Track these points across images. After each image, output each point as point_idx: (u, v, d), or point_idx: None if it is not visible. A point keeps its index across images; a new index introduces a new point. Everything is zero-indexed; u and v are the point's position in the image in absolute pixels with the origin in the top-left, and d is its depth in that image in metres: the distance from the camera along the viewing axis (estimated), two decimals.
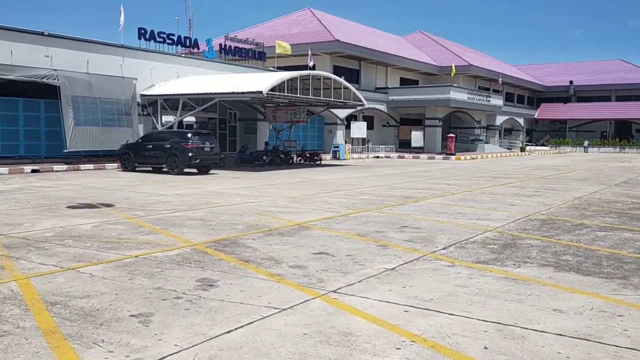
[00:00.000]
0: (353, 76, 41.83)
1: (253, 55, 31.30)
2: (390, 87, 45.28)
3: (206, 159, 20.76)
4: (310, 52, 34.43)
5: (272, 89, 22.77)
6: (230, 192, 14.37)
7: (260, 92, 21.63)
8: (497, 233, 8.53)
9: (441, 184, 17.59)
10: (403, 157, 38.25)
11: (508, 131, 62.14)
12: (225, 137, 32.12)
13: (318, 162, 28.61)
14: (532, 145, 59.71)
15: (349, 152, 35.73)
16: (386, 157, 38.51)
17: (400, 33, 59.20)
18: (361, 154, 38.46)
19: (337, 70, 37.04)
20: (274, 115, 30.25)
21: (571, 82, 68.72)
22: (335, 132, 38.16)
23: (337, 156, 34.64)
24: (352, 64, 42.38)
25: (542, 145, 63.94)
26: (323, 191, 14.84)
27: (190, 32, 29.69)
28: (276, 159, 27.11)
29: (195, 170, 21.24)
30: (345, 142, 37.09)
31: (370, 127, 41.78)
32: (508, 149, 55.28)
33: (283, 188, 15.64)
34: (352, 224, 9.30)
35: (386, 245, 7.46)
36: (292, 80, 24.69)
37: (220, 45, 29.79)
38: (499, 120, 55.68)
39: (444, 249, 7.28)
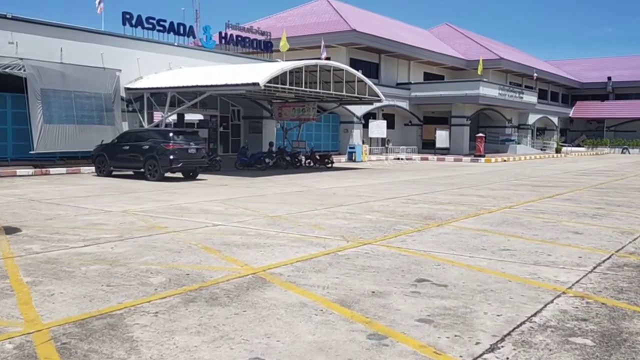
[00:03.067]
0: (372, 70, 38.35)
1: (258, 46, 28.04)
2: (413, 82, 41.60)
3: (191, 162, 17.61)
4: (323, 43, 31.05)
5: (272, 81, 19.56)
6: (199, 207, 11.13)
7: (257, 84, 18.41)
8: (578, 300, 5.07)
9: (472, 196, 14.09)
10: (427, 159, 34.63)
11: (541, 131, 57.82)
12: (228, 136, 28.99)
13: (329, 166, 25.27)
14: (567, 146, 55.28)
15: (366, 154, 32.28)
16: (408, 159, 34.96)
17: (424, 27, 55.43)
18: (380, 156, 34.99)
19: (354, 64, 33.52)
20: (281, 112, 27.06)
21: (609, 78, 63.98)
22: (352, 132, 34.74)
23: (353, 158, 31.25)
24: (371, 57, 38.87)
25: (578, 146, 59.42)
26: (320, 206, 11.50)
27: (197, 23, 26.49)
28: (281, 161, 23.86)
29: (180, 175, 18.18)
30: (363, 143, 33.65)
31: (390, 126, 38.32)
32: (541, 150, 51.14)
33: (271, 201, 12.36)
34: (339, 272, 5.94)
35: (385, 336, 4.08)
36: (297, 72, 21.42)
37: (220, 34, 26.57)
38: (532, 119, 51.52)
39: (492, 349, 3.87)
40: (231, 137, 28.99)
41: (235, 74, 20.14)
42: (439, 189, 15.73)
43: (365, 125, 34.73)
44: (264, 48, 28.27)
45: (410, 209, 11.25)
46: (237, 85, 19.13)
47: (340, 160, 30.28)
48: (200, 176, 18.48)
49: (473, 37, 53.08)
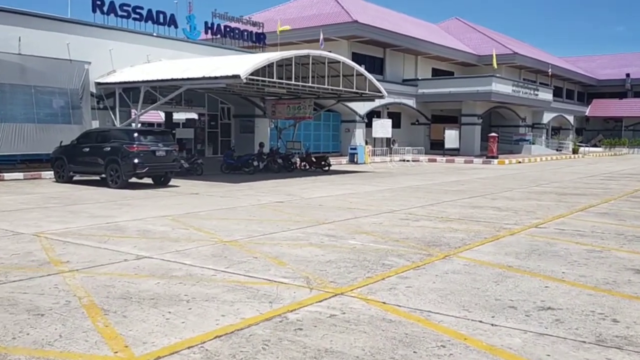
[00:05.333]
0: (376, 65, 35.84)
1: (249, 38, 25.60)
2: (420, 78, 39.00)
3: (159, 167, 15.26)
4: (322, 35, 28.57)
5: (259, 74, 17.19)
6: (140, 227, 8.74)
7: (238, 77, 16.03)
8: None
9: (487, 208, 11.60)
10: (435, 161, 32.07)
11: (556, 130, 54.93)
12: (217, 136, 26.63)
13: (326, 169, 22.85)
14: (584, 146, 52.33)
15: (369, 155, 29.78)
16: (414, 160, 32.37)
17: (433, 22, 52.73)
18: (385, 157, 32.47)
19: (357, 58, 30.93)
20: (274, 110, 24.71)
21: (628, 74, 60.91)
22: (354, 131, 32.28)
23: (355, 160, 28.77)
24: (375, 52, 36.32)
25: (594, 145, 56.43)
26: (295, 225, 9.07)
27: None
28: (273, 164, 21.42)
29: (150, 181, 15.86)
30: (366, 143, 31.15)
31: (396, 125, 35.80)
32: (557, 150, 48.31)
33: (238, 217, 9.95)
34: None
35: None
36: (288, 64, 19.02)
37: (206, 24, 24.16)
38: (547, 117, 48.66)
39: None
40: (220, 137, 26.63)
41: (217, 67, 17.76)
42: (446, 199, 13.24)
43: (369, 125, 32.26)
44: (256, 40, 25.84)
45: (409, 230, 8.78)
46: (215, 78, 16.74)
47: (340, 163, 27.87)
48: (174, 182, 16.17)
49: (484, 31, 50.36)
